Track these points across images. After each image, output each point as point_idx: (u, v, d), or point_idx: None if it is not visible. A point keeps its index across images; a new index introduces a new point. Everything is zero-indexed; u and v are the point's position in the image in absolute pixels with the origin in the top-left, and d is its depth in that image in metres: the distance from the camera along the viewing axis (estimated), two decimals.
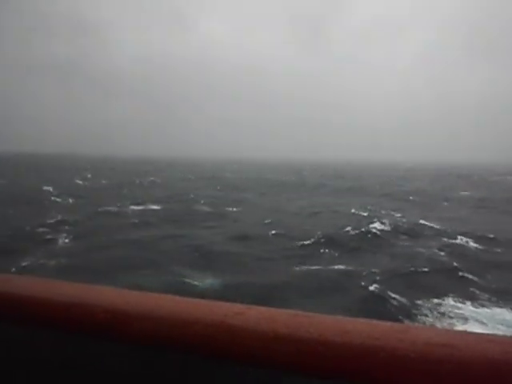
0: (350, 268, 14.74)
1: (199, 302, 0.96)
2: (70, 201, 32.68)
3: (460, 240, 19.29)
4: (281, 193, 45.29)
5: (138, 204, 32.06)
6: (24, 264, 14.94)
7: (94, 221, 24.26)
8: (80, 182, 50.93)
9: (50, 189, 39.77)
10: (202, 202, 34.09)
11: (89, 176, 63.97)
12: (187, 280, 12.94)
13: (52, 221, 22.96)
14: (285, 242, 19.40)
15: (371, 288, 12.21)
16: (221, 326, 0.87)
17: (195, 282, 12.71)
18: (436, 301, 11.44)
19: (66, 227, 21.52)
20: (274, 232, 21.34)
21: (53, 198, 33.19)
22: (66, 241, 18.86)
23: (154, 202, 32.79)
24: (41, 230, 20.69)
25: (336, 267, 14.93)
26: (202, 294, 11.56)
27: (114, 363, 1.01)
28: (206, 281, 12.91)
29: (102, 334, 0.96)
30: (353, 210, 30.39)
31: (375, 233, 20.82)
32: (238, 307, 0.93)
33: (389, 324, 0.87)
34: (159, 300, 0.97)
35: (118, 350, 0.97)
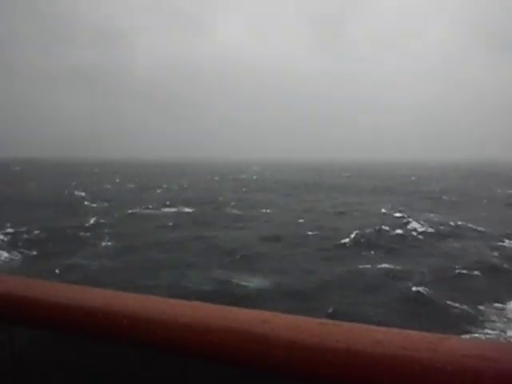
0: (394, 268, 14.47)
1: (224, 309, 0.94)
2: (104, 204, 33.29)
3: (508, 243, 18.46)
4: (306, 193, 45.07)
5: (169, 206, 32.50)
6: (69, 262, 15.55)
7: (129, 223, 24.71)
8: (109, 187, 51.89)
9: (83, 194, 40.71)
10: (232, 204, 34.23)
11: (117, 180, 65.12)
12: (234, 280, 12.98)
13: (89, 224, 23.56)
14: (322, 241, 19.27)
15: (420, 289, 11.90)
16: (246, 334, 0.84)
17: (243, 283, 12.71)
18: (498, 305, 10.83)
19: (105, 230, 21.97)
20: (309, 232, 21.25)
21: (86, 203, 33.90)
22: (108, 243, 19.26)
23: (185, 205, 33.11)
24: (81, 233, 21.25)
25: (380, 267, 14.69)
26: (252, 295, 11.59)
27: (137, 370, 1.02)
28: (254, 281, 12.90)
29: (125, 340, 0.95)
30: (383, 210, 29.99)
31: (415, 233, 20.46)
32: (264, 315, 0.90)
33: (421, 334, 0.82)
34: (182, 306, 0.96)
35: (141, 356, 0.98)
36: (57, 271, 14.45)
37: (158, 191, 46.69)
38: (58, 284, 1.19)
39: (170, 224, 24.51)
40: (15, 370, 1.14)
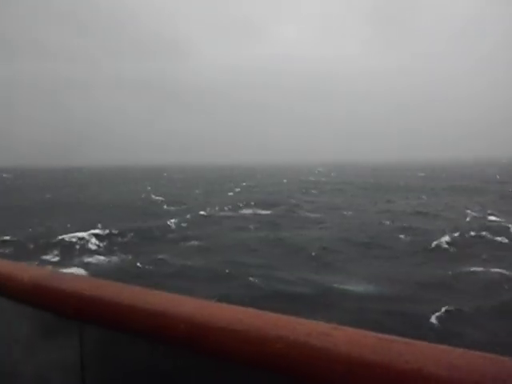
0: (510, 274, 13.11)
1: (281, 318, 0.89)
2: (182, 207, 34.30)
3: None
4: (381, 194, 43.23)
5: (244, 208, 32.81)
6: (158, 258, 16.37)
7: (208, 225, 25.19)
8: (183, 191, 53.60)
9: (161, 198, 42.34)
10: (307, 206, 33.69)
11: (190, 184, 67.29)
12: (328, 284, 12.48)
13: (172, 225, 24.38)
14: (412, 244, 18.19)
15: None
16: (303, 346, 0.79)
17: (340, 286, 12.19)
18: None
19: (187, 231, 22.58)
20: (397, 234, 20.20)
21: (165, 207, 35.12)
22: (193, 243, 19.73)
23: (260, 207, 33.18)
24: (166, 233, 22.09)
25: (491, 270, 13.41)
26: (351, 299, 11.03)
27: (191, 374, 1.00)
28: (350, 285, 12.33)
29: (181, 344, 0.94)
30: (470, 211, 27.86)
31: None
32: (323, 326, 0.84)
33: (507, 360, 0.68)
34: (239, 313, 0.92)
35: (196, 361, 0.95)
36: (148, 267, 15.21)
37: (230, 194, 47.43)
38: (124, 285, 1.18)
39: (249, 226, 24.60)
40: (83, 366, 1.16)
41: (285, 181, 73.23)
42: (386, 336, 0.80)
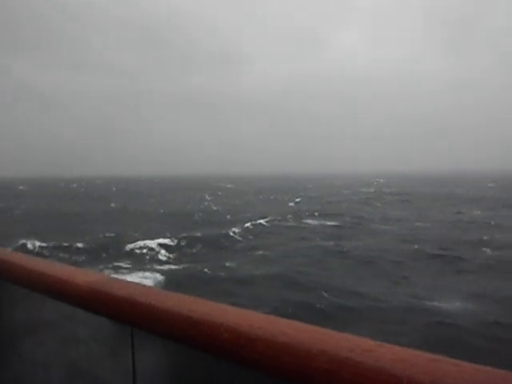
0: None
1: (324, 332, 0.87)
2: (244, 215, 34.15)
3: None
4: (455, 205, 40.71)
5: (310, 218, 32.21)
6: (227, 264, 16.62)
7: (273, 234, 24.92)
8: (243, 201, 53.99)
9: (221, 208, 42.99)
10: (372, 218, 32.36)
11: (236, 195, 67.58)
12: (427, 302, 11.50)
13: (237, 235, 24.53)
14: (501, 257, 16.65)
15: None
16: (346, 362, 0.76)
17: (433, 304, 11.22)
18: None
19: (252, 242, 22.40)
20: (485, 248, 18.64)
21: (228, 217, 35.31)
22: (260, 252, 19.49)
23: (324, 217, 32.47)
24: (235, 244, 22.26)
25: None
26: (453, 319, 10.02)
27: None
28: (454, 303, 11.27)
29: (224, 354, 0.93)
30: None
31: None
32: (367, 343, 0.80)
33: None
34: (283, 326, 0.90)
35: (239, 372, 0.94)
36: (216, 274, 15.33)
37: (291, 204, 47.06)
38: (171, 293, 1.18)
39: (314, 236, 24.05)
40: (134, 371, 1.20)
41: (345, 191, 71.60)
42: (432, 355, 0.74)
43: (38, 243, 21.26)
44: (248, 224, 28.30)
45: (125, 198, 61.36)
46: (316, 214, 34.84)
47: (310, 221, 31.49)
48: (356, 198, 55.75)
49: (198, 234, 23.80)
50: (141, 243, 20.91)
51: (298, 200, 52.45)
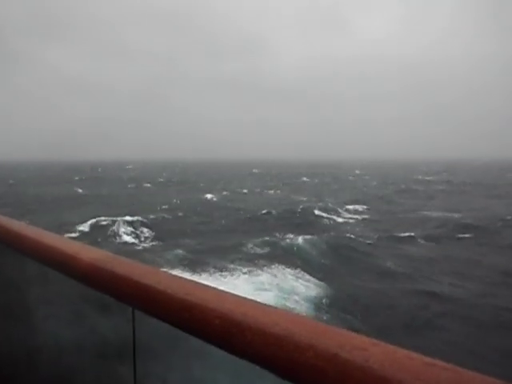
0: None
1: (317, 326, 0.82)
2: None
3: None
4: None
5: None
6: None
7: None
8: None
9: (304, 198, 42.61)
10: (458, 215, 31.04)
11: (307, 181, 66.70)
12: None
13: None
14: None
15: None
16: (333, 359, 0.71)
17: None
18: None
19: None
20: None
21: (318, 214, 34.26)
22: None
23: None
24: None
25: None
26: None
27: (220, 371, 1.01)
28: None
29: (215, 340, 0.92)
30: None
31: None
32: (359, 340, 0.75)
33: None
34: (276, 315, 0.87)
35: (228, 359, 0.90)
36: None
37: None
38: (172, 276, 1.18)
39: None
40: (134, 348, 1.21)
41: (402, 187, 68.91)
42: (428, 358, 0.69)
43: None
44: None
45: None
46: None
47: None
48: (426, 188, 53.96)
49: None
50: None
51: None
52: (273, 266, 16.36)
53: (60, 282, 1.49)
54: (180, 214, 32.34)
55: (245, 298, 0.99)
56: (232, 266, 16.45)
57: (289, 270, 16.06)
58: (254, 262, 17.06)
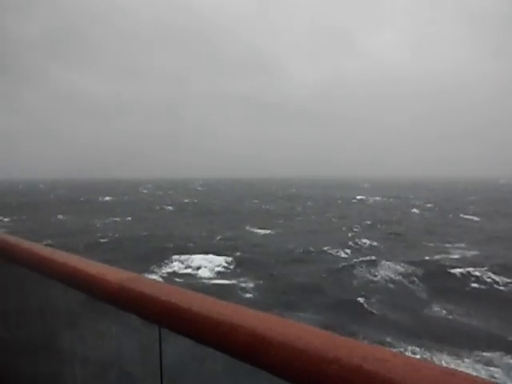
0: None
1: (338, 339, 0.85)
2: None
3: None
4: None
5: None
6: None
7: None
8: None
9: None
10: None
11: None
12: None
13: None
14: None
15: None
16: (357, 370, 0.74)
17: None
18: None
19: None
20: None
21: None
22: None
23: None
24: None
25: None
26: None
27: None
28: None
29: (241, 355, 0.94)
30: None
31: None
32: (381, 352, 0.78)
33: None
34: (298, 330, 0.89)
35: (254, 374, 0.95)
36: None
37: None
38: (195, 294, 1.20)
39: None
40: (161, 367, 1.24)
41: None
42: (450, 369, 0.71)
43: None
44: None
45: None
46: None
47: None
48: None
49: None
50: None
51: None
52: None
53: (86, 305, 1.54)
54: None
55: (265, 313, 1.01)
56: None
57: None
58: None
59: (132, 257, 20.62)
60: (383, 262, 18.39)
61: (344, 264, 18.99)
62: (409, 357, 0.76)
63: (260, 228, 33.72)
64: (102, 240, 26.01)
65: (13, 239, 2.04)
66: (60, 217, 41.27)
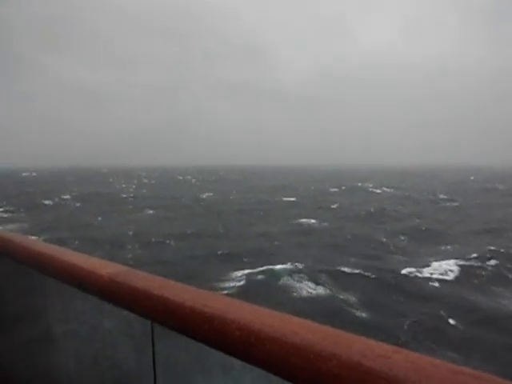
0: None
1: (337, 334, 0.81)
2: None
3: None
4: None
5: None
6: None
7: None
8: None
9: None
10: None
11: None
12: None
13: None
14: None
15: None
16: (357, 367, 0.71)
17: None
18: None
19: None
20: None
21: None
22: None
23: None
24: None
25: None
26: None
27: (242, 382, 1.00)
28: None
29: (235, 351, 0.90)
30: None
31: None
32: (382, 348, 0.75)
33: None
34: (295, 325, 0.86)
35: (248, 370, 0.92)
36: None
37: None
38: (188, 287, 1.16)
39: None
40: (154, 362, 1.21)
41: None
42: (454, 365, 0.67)
43: None
44: None
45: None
46: None
47: None
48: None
49: None
50: None
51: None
52: None
53: (78, 299, 1.49)
54: None
55: (260, 307, 0.98)
56: None
57: None
58: None
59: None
60: None
61: None
62: (410, 352, 0.72)
63: None
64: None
65: (5, 234, 2.01)
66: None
